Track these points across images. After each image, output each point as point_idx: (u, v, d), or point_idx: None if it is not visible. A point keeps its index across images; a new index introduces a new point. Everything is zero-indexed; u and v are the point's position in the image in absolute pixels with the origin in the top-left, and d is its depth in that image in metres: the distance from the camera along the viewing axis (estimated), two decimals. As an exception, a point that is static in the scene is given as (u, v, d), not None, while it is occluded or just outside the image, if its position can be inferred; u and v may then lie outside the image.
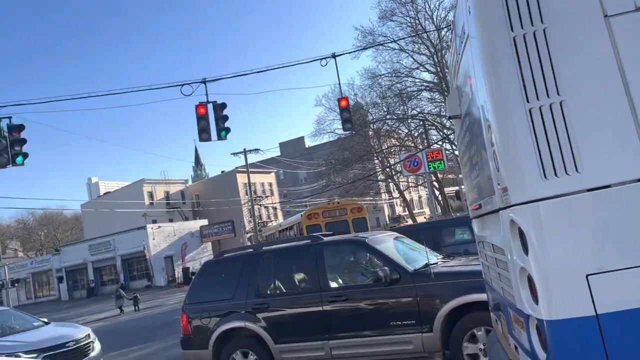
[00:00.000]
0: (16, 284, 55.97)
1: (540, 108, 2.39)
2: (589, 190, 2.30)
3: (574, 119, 2.34)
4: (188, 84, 13.87)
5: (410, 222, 48.30)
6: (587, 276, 2.26)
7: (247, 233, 54.98)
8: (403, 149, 45.95)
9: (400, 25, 41.80)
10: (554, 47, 2.40)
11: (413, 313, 6.03)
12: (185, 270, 43.22)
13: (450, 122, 5.53)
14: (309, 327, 6.63)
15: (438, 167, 32.47)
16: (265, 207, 62.87)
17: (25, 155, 12.69)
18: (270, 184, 68.67)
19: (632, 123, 2.30)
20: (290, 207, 62.12)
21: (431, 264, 6.31)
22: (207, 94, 14.19)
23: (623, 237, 2.27)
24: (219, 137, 14.51)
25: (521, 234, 2.45)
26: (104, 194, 74.22)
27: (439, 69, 40.95)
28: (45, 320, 10.19)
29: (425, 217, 67.96)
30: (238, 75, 15.40)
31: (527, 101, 2.41)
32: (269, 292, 7.13)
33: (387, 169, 47.91)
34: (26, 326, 9.58)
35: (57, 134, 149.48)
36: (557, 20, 2.42)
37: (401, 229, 13.61)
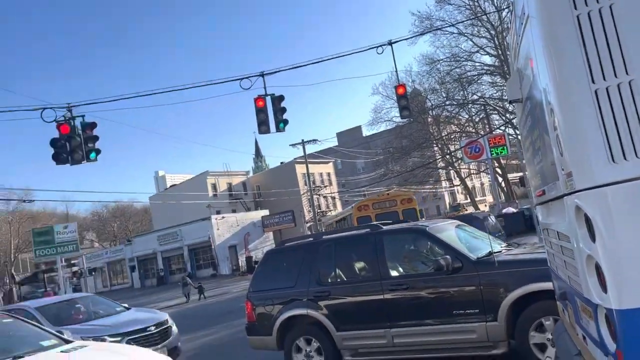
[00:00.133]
0: (93, 273, 59.71)
1: (607, 89, 2.28)
2: (661, 173, 2.19)
3: (644, 99, 2.22)
4: (247, 77, 14.14)
5: (470, 210, 47.10)
6: (659, 264, 2.16)
7: (307, 223, 55.67)
8: (464, 135, 44.93)
9: (458, 8, 40.70)
10: (621, 25, 2.28)
11: (476, 302, 5.93)
12: (249, 259, 44.37)
13: (513, 106, 5.37)
14: (370, 315, 6.67)
15: (501, 152, 31.54)
16: (324, 197, 63.32)
17: (97, 152, 13.37)
18: (329, 174, 69.03)
19: None
20: (348, 197, 62.28)
21: (495, 252, 6.18)
22: (265, 87, 14.43)
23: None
24: (278, 129, 14.73)
25: (587, 220, 2.37)
26: (170, 186, 77.47)
27: (500, 52, 39.55)
28: (126, 305, 10.66)
29: (486, 205, 66.20)
30: (295, 67, 15.52)
31: (593, 82, 2.31)
32: (329, 280, 7.22)
33: (447, 156, 46.97)
34: (109, 311, 10.05)
35: (124, 130, 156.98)
36: (624, -5, 2.30)
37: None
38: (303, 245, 7.81)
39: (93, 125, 13.42)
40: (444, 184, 64.54)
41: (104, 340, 7.82)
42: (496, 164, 42.73)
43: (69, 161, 13.02)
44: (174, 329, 9.52)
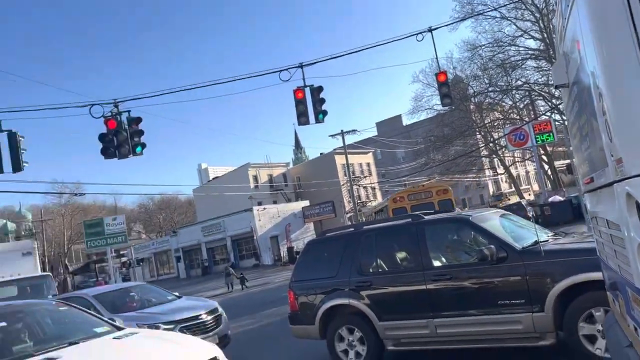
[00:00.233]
0: (141, 263, 61.87)
1: (659, 71, 2.19)
2: None
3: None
4: (286, 69, 14.21)
5: (514, 199, 45.95)
6: None
7: (347, 213, 55.71)
8: (507, 122, 43.80)
9: (500, -9, 39.38)
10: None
11: (522, 292, 5.82)
12: (290, 249, 44.85)
13: (559, 91, 5.19)
14: (412, 305, 6.64)
15: (546, 139, 30.58)
16: (364, 188, 63.13)
17: (143, 145, 13.77)
18: (368, 164, 68.73)
19: None
20: (389, 187, 61.87)
21: (541, 242, 6.03)
22: (304, 78, 14.46)
23: None
24: (317, 120, 14.75)
25: (639, 208, 2.29)
26: (213, 178, 78.96)
27: (545, 35, 38.21)
28: (177, 294, 10.88)
29: (530, 194, 64.43)
30: (334, 57, 15.44)
31: (644, 64, 2.22)
32: (371, 270, 7.22)
33: (491, 144, 45.94)
34: (162, 299, 10.29)
35: (165, 124, 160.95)
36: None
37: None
38: (344, 236, 7.84)
39: (138, 120, 13.82)
40: (487, 172, 63.16)
41: (157, 327, 8.02)
42: (542, 151, 41.46)
43: (117, 155, 13.47)
44: (224, 317, 9.69)
